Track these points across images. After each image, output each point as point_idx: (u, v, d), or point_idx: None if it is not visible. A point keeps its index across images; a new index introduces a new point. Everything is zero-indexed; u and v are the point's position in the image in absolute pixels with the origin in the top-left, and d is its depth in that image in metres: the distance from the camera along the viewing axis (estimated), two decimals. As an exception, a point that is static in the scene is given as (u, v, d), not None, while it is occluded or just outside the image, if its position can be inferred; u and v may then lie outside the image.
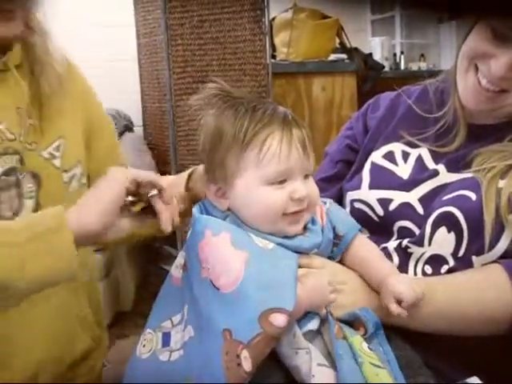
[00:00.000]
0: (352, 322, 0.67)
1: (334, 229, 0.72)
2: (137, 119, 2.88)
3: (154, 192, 0.71)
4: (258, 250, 0.63)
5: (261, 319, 0.56)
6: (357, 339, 0.63)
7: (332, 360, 0.61)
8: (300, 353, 0.60)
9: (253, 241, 0.64)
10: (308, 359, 0.59)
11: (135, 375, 0.66)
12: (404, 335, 0.69)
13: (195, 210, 0.67)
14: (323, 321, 0.64)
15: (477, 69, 0.76)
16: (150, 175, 0.71)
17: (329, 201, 0.77)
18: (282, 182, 0.65)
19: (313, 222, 0.70)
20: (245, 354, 0.56)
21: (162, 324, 0.67)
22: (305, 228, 0.69)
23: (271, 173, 0.64)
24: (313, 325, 0.63)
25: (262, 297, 0.58)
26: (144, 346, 0.67)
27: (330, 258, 0.73)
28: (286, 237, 0.67)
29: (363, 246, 0.74)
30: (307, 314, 0.64)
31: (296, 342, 0.60)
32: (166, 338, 0.66)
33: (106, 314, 2.11)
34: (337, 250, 0.73)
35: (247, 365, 0.56)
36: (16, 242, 0.62)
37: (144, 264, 2.50)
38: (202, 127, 0.70)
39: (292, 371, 0.61)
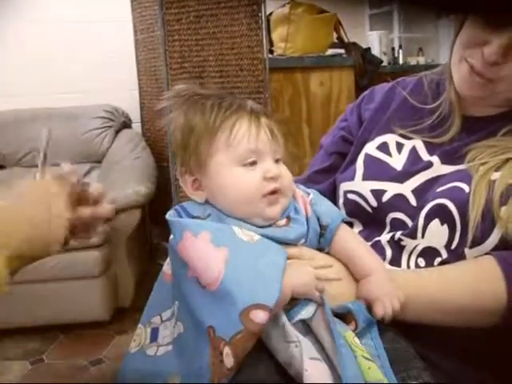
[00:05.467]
0: (344, 315, 0.66)
1: (318, 219, 0.72)
2: (135, 116, 2.88)
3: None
4: (241, 244, 0.62)
5: (242, 316, 0.56)
6: (349, 334, 0.62)
7: (325, 354, 0.61)
8: (291, 346, 0.59)
9: (236, 235, 0.63)
10: (298, 352, 0.58)
11: (125, 370, 0.67)
12: (397, 326, 0.68)
13: (170, 215, 0.67)
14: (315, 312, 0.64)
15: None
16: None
17: (312, 191, 0.76)
18: (253, 164, 0.66)
19: (296, 211, 0.70)
20: (226, 350, 0.56)
21: (152, 320, 0.68)
22: (288, 219, 0.69)
23: (242, 152, 0.66)
24: (306, 313, 0.63)
25: (244, 293, 0.58)
26: (134, 340, 0.68)
27: (319, 249, 0.72)
28: (269, 226, 0.67)
29: (347, 236, 0.74)
30: (299, 302, 0.63)
31: (285, 334, 0.60)
32: (154, 334, 0.66)
33: (105, 310, 2.12)
34: (324, 240, 0.72)
35: (229, 361, 0.56)
36: None
37: (142, 260, 2.50)
38: (171, 125, 0.71)
39: (285, 366, 0.60)
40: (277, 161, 0.69)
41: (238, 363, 0.57)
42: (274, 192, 0.66)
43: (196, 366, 0.59)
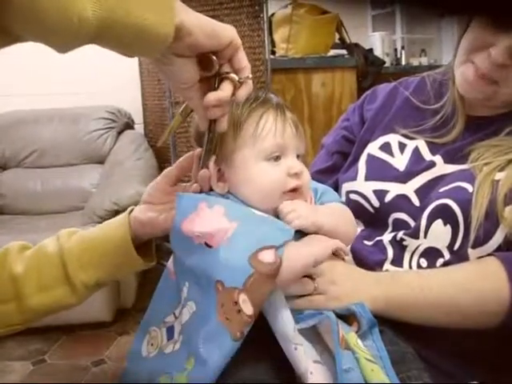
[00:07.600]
0: (346, 316, 0.66)
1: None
2: (137, 117, 2.88)
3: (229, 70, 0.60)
4: (254, 215, 0.63)
5: (251, 260, 0.57)
6: (352, 336, 0.62)
7: (325, 357, 0.60)
8: (299, 349, 0.59)
9: (249, 209, 0.64)
10: (304, 356, 0.59)
11: (139, 373, 0.66)
12: (397, 327, 0.68)
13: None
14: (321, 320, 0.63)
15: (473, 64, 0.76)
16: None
17: (319, 185, 0.76)
18: (277, 158, 0.66)
19: None
20: (243, 297, 0.56)
21: (166, 319, 0.67)
22: None
23: (268, 146, 0.66)
24: (311, 322, 0.63)
25: (252, 241, 0.59)
26: (152, 344, 0.67)
27: None
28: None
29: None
30: (305, 312, 0.63)
31: (294, 336, 0.60)
32: (170, 332, 0.66)
33: (107, 311, 2.11)
34: None
35: (247, 308, 0.56)
36: None
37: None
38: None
39: (294, 366, 0.60)
40: (297, 157, 0.69)
41: (258, 310, 0.57)
42: (294, 190, 0.67)
43: (207, 332, 0.58)
